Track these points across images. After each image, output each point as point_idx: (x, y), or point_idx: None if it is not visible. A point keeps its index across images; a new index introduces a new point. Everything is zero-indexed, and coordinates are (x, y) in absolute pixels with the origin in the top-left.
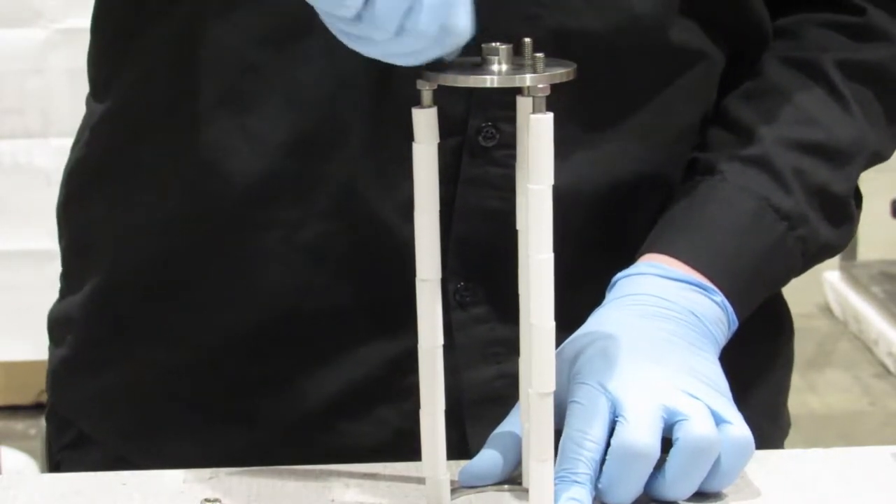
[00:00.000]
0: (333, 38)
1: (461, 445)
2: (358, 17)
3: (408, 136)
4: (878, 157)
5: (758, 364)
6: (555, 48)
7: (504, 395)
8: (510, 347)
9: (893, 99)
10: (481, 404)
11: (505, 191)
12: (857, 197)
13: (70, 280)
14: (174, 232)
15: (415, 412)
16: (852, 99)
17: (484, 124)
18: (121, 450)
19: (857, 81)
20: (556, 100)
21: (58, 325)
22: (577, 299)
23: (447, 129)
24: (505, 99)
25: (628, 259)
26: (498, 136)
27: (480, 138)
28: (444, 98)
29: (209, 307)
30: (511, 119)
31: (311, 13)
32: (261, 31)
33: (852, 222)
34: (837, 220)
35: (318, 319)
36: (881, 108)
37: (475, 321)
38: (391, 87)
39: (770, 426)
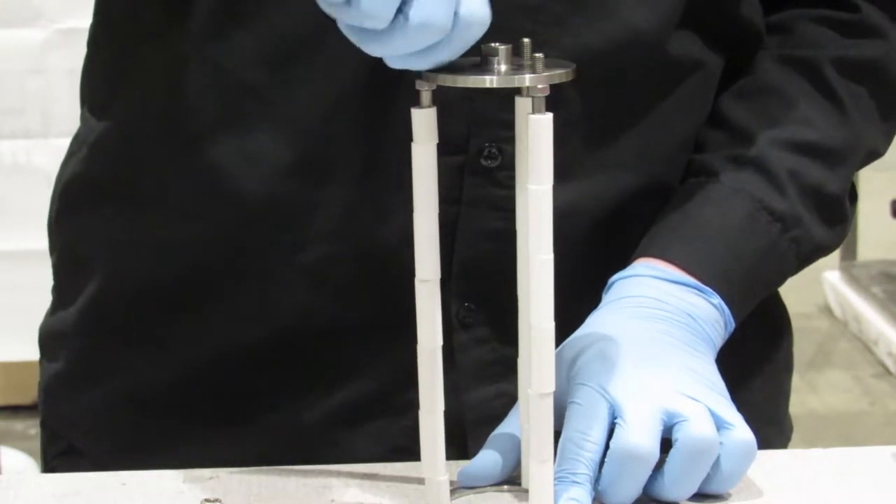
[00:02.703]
0: (330, 59)
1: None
2: (347, 2)
3: (405, 160)
4: (874, 155)
5: (757, 369)
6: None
7: (502, 415)
8: (510, 367)
9: (887, 96)
10: (481, 424)
11: (508, 211)
12: (852, 194)
13: (62, 294)
14: (174, 250)
15: (412, 429)
16: (847, 97)
17: (486, 144)
18: (114, 464)
19: (851, 79)
20: (556, 120)
21: (50, 339)
22: (577, 310)
23: (449, 148)
24: (506, 118)
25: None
26: (500, 158)
27: (482, 158)
28: (444, 117)
29: (208, 325)
30: (513, 140)
31: (307, 35)
32: (258, 53)
33: (846, 222)
34: (832, 220)
35: (318, 338)
36: (875, 105)
37: (477, 342)
38: (388, 111)
39: (771, 431)
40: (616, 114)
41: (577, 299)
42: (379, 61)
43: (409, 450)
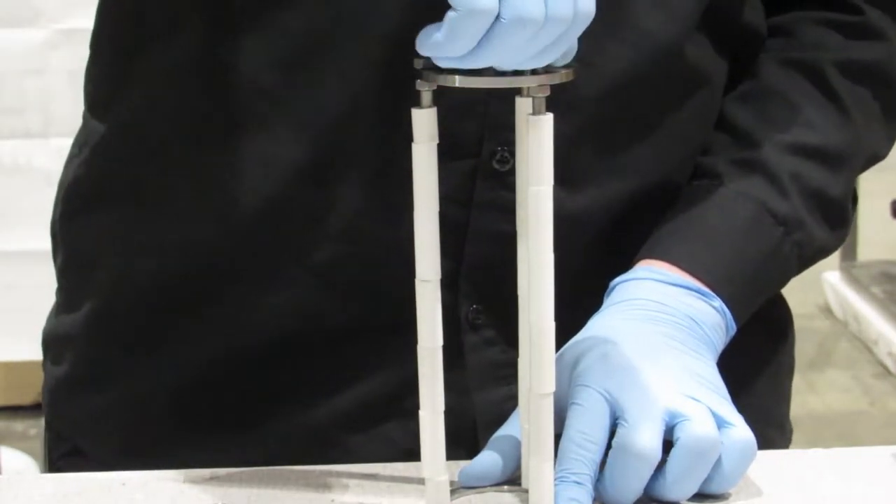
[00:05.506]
0: (343, 61)
1: None
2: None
3: None
4: (875, 159)
5: (761, 370)
6: (576, 78)
7: None
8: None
9: (890, 98)
10: (492, 426)
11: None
12: (853, 197)
13: (68, 297)
14: (181, 253)
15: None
16: (849, 100)
17: (498, 148)
18: (119, 466)
19: (854, 81)
20: (571, 128)
21: (55, 343)
22: (583, 314)
23: (461, 151)
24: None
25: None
26: (512, 161)
27: (494, 162)
28: (459, 120)
29: (217, 326)
30: None
31: (320, 36)
32: (271, 54)
33: (848, 225)
34: (833, 223)
35: (327, 341)
36: (878, 108)
37: (486, 343)
38: (402, 111)
39: (774, 432)
40: (633, 122)
41: (583, 303)
42: (391, 61)
43: (419, 453)
